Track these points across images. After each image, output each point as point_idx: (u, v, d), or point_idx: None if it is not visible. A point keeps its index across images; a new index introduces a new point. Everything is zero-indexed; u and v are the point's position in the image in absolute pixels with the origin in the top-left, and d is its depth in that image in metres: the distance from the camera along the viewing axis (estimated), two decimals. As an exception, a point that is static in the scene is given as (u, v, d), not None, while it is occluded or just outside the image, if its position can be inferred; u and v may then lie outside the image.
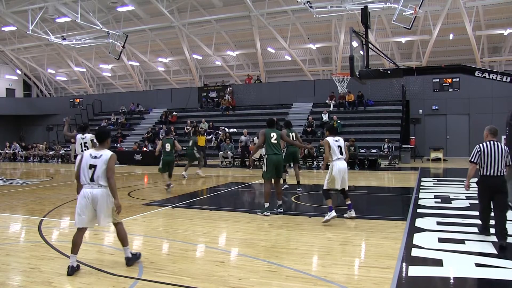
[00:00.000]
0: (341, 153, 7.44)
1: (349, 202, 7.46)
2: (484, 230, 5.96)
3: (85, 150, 8.76)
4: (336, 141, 7.51)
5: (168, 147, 11.17)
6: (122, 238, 4.95)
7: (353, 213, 7.39)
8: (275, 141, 7.97)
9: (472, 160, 5.85)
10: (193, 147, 14.69)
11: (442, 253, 5.16)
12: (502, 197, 5.69)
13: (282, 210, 7.92)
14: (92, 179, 4.71)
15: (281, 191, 8.51)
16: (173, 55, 30.75)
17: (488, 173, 5.70)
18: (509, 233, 5.60)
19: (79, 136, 9.16)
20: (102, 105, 31.71)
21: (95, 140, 8.76)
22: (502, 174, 5.70)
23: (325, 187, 7.37)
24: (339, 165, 7.33)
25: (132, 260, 4.92)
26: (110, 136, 5.16)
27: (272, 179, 8.07)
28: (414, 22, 17.89)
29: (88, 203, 4.71)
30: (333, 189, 7.35)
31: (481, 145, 5.82)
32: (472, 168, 5.89)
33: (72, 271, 4.59)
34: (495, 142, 5.80)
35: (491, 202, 5.77)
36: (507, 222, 5.71)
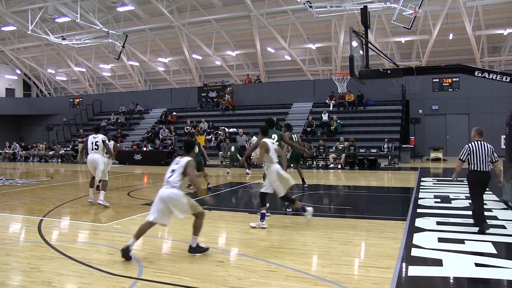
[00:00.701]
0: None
1: (300, 206, 7.03)
2: (482, 222, 6.23)
3: (95, 149, 9.16)
4: (272, 143, 6.97)
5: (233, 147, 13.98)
6: (195, 227, 5.38)
7: (309, 217, 6.94)
8: (234, 151, 8.08)
9: (461, 158, 6.52)
10: (236, 151, 16.67)
11: (442, 253, 5.16)
12: (485, 190, 6.55)
13: (290, 209, 8.06)
14: (167, 181, 5.29)
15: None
16: (173, 55, 30.75)
17: (476, 169, 6.38)
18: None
19: (91, 136, 9.38)
20: (102, 105, 31.71)
21: (107, 141, 9.46)
22: (488, 170, 6.37)
23: (265, 191, 6.86)
24: (278, 168, 6.77)
25: (195, 250, 5.30)
26: (195, 145, 5.75)
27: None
28: (413, 22, 17.91)
29: (163, 201, 5.24)
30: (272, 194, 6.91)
31: (469, 144, 6.47)
32: (460, 165, 6.60)
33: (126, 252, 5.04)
34: (482, 142, 6.45)
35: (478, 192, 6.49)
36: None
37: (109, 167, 9.82)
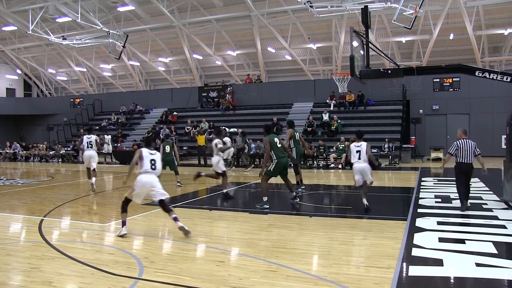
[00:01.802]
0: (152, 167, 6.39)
1: (175, 215, 6.32)
2: (462, 204, 7.86)
3: (90, 146, 11.24)
4: (152, 154, 6.49)
5: (167, 148, 12.30)
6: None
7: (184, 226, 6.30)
8: (280, 145, 8.53)
9: (450, 152, 8.23)
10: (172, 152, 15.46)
11: (443, 253, 5.16)
12: (469, 178, 8.11)
13: (298, 200, 8.95)
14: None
15: (291, 184, 9.07)
16: (173, 55, 30.75)
17: (462, 161, 7.97)
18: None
19: (85, 136, 11.42)
20: (103, 105, 31.72)
21: (98, 140, 11.56)
22: (471, 162, 7.95)
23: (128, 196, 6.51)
24: (145, 178, 6.30)
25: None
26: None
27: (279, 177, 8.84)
28: (414, 22, 17.90)
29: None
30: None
31: (457, 142, 8.10)
32: (448, 157, 8.50)
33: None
34: (467, 140, 8.05)
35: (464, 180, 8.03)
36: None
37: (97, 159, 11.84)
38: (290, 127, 10.44)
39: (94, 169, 11.16)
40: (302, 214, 8.17)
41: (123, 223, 6.34)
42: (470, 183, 8.25)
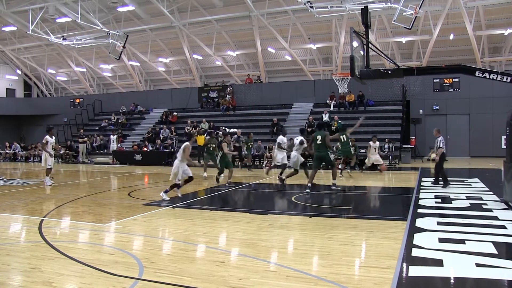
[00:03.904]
0: None
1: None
2: (445, 182, 10.96)
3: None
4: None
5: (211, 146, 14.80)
6: None
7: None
8: (320, 142, 10.60)
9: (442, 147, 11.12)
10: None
11: (443, 253, 5.16)
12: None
13: (308, 191, 10.35)
14: None
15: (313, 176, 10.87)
16: (173, 55, 30.76)
17: (445, 152, 11.21)
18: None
19: (48, 136, 12.75)
20: (103, 105, 31.74)
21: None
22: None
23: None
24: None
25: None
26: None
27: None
28: (414, 22, 17.90)
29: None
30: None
31: (442, 139, 11.11)
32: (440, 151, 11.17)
33: None
34: (442, 136, 11.22)
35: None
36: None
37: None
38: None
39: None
40: (302, 214, 8.17)
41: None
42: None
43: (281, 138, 13.29)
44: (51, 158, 12.73)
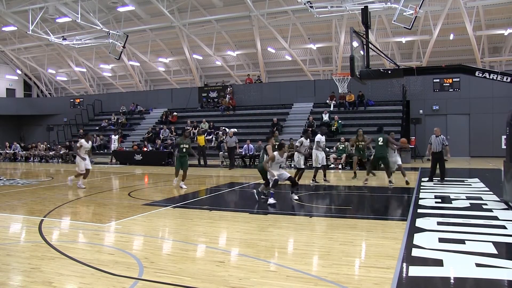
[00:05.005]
0: None
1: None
2: (431, 178, 12.08)
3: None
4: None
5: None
6: None
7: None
8: (381, 143, 11.58)
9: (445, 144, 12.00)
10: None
11: (443, 253, 5.16)
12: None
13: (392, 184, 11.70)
14: None
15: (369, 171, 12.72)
16: (173, 55, 30.76)
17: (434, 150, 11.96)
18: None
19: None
20: (103, 105, 31.74)
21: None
22: (440, 150, 11.91)
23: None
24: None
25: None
26: None
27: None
28: (414, 22, 17.90)
29: None
30: None
31: (432, 136, 12.00)
32: (430, 147, 12.19)
33: None
34: (436, 136, 11.99)
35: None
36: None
37: None
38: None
39: None
40: (302, 214, 8.17)
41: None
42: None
43: (319, 137, 12.52)
44: (83, 162, 12.00)
